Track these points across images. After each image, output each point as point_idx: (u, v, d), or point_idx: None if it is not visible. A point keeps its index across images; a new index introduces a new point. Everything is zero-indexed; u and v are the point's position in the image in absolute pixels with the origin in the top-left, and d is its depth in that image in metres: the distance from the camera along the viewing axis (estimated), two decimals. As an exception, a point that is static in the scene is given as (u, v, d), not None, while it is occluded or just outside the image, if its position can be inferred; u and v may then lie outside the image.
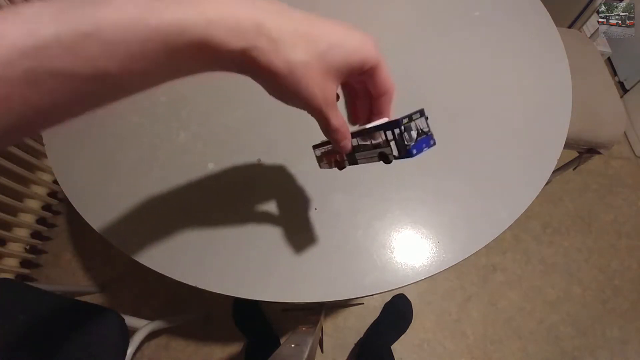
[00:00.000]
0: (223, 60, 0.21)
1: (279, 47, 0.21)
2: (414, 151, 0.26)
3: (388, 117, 0.30)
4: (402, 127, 0.25)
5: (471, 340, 1.08)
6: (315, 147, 0.37)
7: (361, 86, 0.29)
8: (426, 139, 0.27)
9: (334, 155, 0.34)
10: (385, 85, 0.27)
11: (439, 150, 0.50)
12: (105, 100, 0.19)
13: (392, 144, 0.26)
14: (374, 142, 0.28)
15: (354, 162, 0.32)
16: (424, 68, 0.55)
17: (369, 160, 0.30)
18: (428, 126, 0.27)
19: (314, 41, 0.22)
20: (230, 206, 0.45)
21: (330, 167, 0.36)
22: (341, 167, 0.34)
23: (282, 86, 0.23)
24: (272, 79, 0.22)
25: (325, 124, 0.27)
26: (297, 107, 0.25)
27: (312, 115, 0.26)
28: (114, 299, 1.09)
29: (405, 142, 0.26)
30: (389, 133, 0.26)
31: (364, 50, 0.24)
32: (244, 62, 0.21)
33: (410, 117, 0.26)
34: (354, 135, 0.30)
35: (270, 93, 0.24)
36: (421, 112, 0.27)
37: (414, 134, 0.26)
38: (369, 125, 0.28)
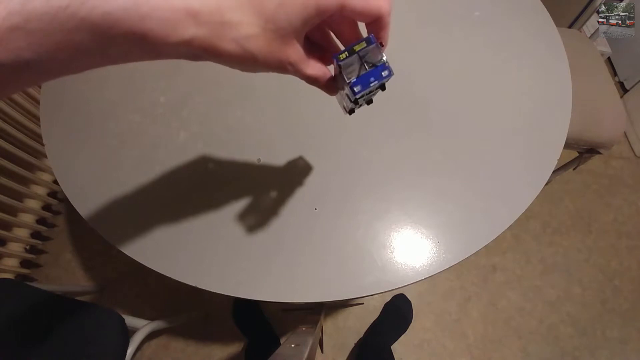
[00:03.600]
0: (166, 53, 0.20)
1: (223, 29, 0.20)
2: (356, 89, 0.24)
3: (385, 43, 0.26)
4: (338, 64, 0.23)
5: (471, 340, 1.08)
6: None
7: (319, 36, 0.28)
8: (375, 71, 0.24)
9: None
10: (371, 10, 0.24)
11: (439, 150, 0.50)
12: (31, 82, 0.20)
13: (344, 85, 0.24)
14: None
15: (353, 106, 0.28)
16: (423, 68, 0.55)
17: (372, 93, 0.27)
18: (382, 55, 0.24)
19: (258, 8, 0.21)
20: (230, 206, 0.45)
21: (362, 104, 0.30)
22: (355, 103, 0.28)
23: (241, 64, 0.22)
24: (228, 61, 0.22)
25: (300, 77, 0.26)
26: (265, 72, 0.25)
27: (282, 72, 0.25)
28: (114, 299, 1.09)
29: (346, 79, 0.24)
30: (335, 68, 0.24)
31: None
32: (191, 51, 0.21)
33: (351, 49, 0.23)
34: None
35: (231, 67, 0.24)
36: (368, 41, 0.23)
37: (355, 67, 0.24)
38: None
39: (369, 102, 0.29)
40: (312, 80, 0.26)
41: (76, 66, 0.20)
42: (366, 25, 0.25)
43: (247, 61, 0.22)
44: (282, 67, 0.24)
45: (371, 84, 0.24)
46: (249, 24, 0.21)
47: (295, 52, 0.24)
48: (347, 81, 0.24)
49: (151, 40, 0.19)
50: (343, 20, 0.26)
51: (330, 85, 0.28)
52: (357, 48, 0.23)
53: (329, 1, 0.22)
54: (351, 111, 0.30)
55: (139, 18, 0.18)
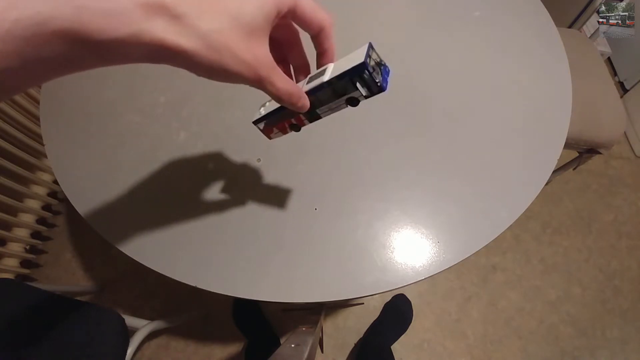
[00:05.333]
0: (115, 52, 0.18)
1: (184, 22, 0.18)
2: (385, 85, 0.26)
3: (332, 52, 0.29)
4: (370, 68, 0.25)
5: (471, 340, 1.08)
6: (257, 121, 0.34)
7: (286, 36, 0.28)
8: (385, 69, 0.27)
9: (288, 120, 0.33)
10: (317, 20, 0.26)
11: (439, 150, 0.50)
12: None
13: (360, 86, 0.26)
14: (339, 91, 0.28)
15: (315, 117, 0.31)
16: (423, 68, 0.55)
17: (335, 110, 0.30)
18: (379, 55, 0.27)
19: (220, 4, 0.20)
20: (230, 206, 0.45)
21: (285, 133, 0.34)
22: (299, 129, 0.33)
23: (204, 65, 0.20)
24: (190, 60, 0.20)
25: (272, 91, 0.24)
26: (234, 82, 0.23)
27: (253, 86, 0.23)
28: (114, 299, 1.09)
29: (376, 81, 0.26)
30: (356, 78, 0.26)
31: None
32: (145, 50, 0.18)
33: (368, 55, 0.25)
34: (310, 92, 0.28)
35: (198, 74, 0.22)
36: (371, 46, 0.26)
37: (376, 68, 0.26)
38: (327, 78, 0.27)
39: (315, 119, 0.32)
40: (283, 93, 0.25)
41: (22, 80, 0.17)
42: (312, 38, 0.27)
43: (213, 60, 0.20)
44: (252, 68, 0.22)
45: (388, 80, 0.27)
46: (212, 20, 0.19)
47: (265, 54, 0.23)
48: (377, 82, 0.26)
49: (91, 37, 0.16)
50: (292, 43, 0.29)
51: (304, 102, 0.27)
52: (370, 52, 0.26)
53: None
54: (299, 129, 0.33)
55: (73, 10, 0.15)
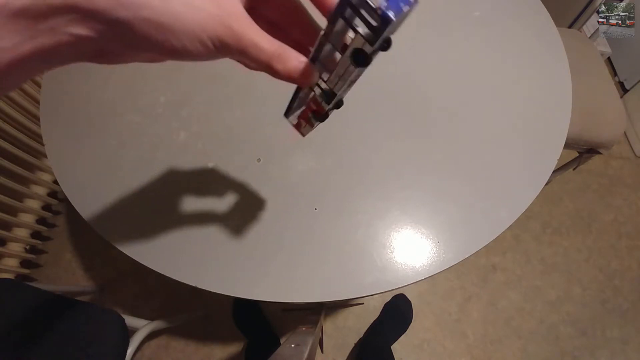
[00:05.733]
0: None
1: None
2: (391, 13, 0.17)
3: None
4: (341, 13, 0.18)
5: (471, 340, 1.08)
6: (287, 113, 0.28)
7: (282, 8, 0.22)
8: None
9: (308, 108, 0.26)
10: None
11: (439, 150, 0.50)
12: None
13: (358, 23, 0.18)
14: (338, 43, 0.20)
15: (331, 96, 0.24)
16: (424, 68, 0.55)
17: (346, 78, 0.22)
18: None
19: None
20: (230, 206, 0.45)
21: (312, 125, 0.28)
22: (323, 116, 0.26)
23: (159, 30, 0.16)
24: (140, 31, 0.16)
25: (254, 55, 0.19)
26: (197, 54, 0.18)
27: (227, 53, 0.18)
28: (114, 299, 1.09)
29: (372, 6, 0.17)
30: (348, 12, 0.18)
31: None
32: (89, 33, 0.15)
33: None
34: (312, 60, 0.21)
35: (139, 51, 0.18)
36: None
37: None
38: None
39: (339, 104, 0.25)
40: (269, 56, 0.19)
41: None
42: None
43: (162, 9, 0.16)
44: (219, 21, 0.17)
45: (403, 8, 0.18)
46: None
47: (234, 2, 0.18)
48: (373, 5, 0.17)
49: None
50: (292, 13, 0.22)
51: (303, 68, 0.20)
52: None
53: None
54: (324, 117, 0.25)
55: None
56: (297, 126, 0.29)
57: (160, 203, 0.45)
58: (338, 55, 0.21)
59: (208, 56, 0.18)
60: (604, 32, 1.00)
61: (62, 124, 0.51)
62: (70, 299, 0.67)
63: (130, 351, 0.66)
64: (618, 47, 1.48)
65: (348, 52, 0.20)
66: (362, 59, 0.19)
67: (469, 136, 0.50)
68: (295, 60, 0.20)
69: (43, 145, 0.50)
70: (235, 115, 0.51)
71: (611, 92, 0.91)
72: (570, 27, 1.24)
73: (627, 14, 0.95)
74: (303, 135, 0.30)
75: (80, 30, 0.15)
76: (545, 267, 1.19)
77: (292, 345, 0.44)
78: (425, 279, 0.41)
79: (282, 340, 1.04)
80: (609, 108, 0.89)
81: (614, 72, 1.55)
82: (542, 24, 0.60)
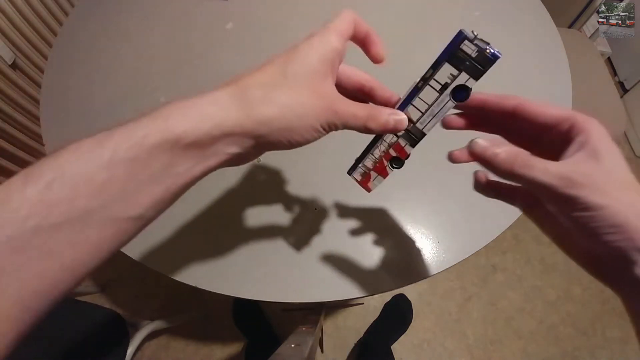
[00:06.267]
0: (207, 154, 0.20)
1: (251, 102, 0.20)
2: (497, 51, 0.22)
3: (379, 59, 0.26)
4: (470, 35, 0.22)
5: (471, 340, 1.08)
6: (352, 170, 0.31)
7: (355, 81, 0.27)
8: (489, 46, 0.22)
9: (386, 155, 0.28)
10: (362, 32, 0.25)
11: (439, 150, 0.50)
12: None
13: (466, 65, 0.22)
14: (438, 86, 0.24)
15: (417, 136, 0.27)
16: (424, 68, 0.55)
17: (439, 115, 0.25)
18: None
19: (273, 73, 0.22)
20: (230, 206, 0.45)
21: (386, 175, 0.30)
22: (402, 162, 0.29)
23: (283, 126, 0.21)
24: (271, 129, 0.21)
25: (354, 122, 0.23)
26: (318, 133, 0.23)
27: (336, 126, 0.23)
28: (114, 299, 1.09)
29: (484, 49, 0.22)
30: (458, 55, 0.22)
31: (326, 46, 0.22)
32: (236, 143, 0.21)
33: (463, 34, 0.22)
34: (402, 106, 0.25)
35: (283, 148, 0.23)
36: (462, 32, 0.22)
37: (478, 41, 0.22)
38: (419, 77, 0.24)
39: (420, 137, 0.27)
40: (364, 118, 0.23)
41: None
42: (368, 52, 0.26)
43: (286, 118, 0.21)
44: (327, 108, 0.22)
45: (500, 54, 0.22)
46: (268, 85, 0.21)
47: (330, 89, 0.23)
48: (485, 48, 0.22)
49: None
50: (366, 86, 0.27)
51: (396, 117, 0.25)
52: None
53: (341, 26, 0.23)
54: (403, 162, 0.29)
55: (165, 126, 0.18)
56: (365, 181, 0.30)
57: (160, 203, 0.45)
58: (432, 96, 0.24)
59: (319, 137, 0.23)
60: (604, 32, 0.99)
61: (62, 124, 0.51)
62: (70, 299, 0.67)
63: (130, 351, 0.66)
64: (618, 47, 1.48)
65: (448, 90, 0.24)
66: (463, 94, 0.24)
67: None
68: (385, 115, 0.24)
69: (43, 145, 0.50)
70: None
71: (611, 92, 0.91)
72: (570, 27, 1.24)
73: (627, 14, 0.95)
74: (370, 189, 0.31)
75: (235, 149, 0.21)
76: (545, 267, 1.19)
77: (292, 345, 0.44)
78: (425, 279, 0.41)
79: (282, 340, 1.04)
80: (609, 108, 0.89)
81: (614, 72, 1.55)
82: (542, 24, 0.60)
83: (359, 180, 0.31)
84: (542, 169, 0.20)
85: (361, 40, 0.25)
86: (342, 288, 0.41)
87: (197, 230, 0.44)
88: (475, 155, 0.24)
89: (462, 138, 0.29)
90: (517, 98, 0.24)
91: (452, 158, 0.29)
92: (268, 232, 0.43)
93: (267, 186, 0.46)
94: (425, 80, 0.24)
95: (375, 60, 0.26)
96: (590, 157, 0.20)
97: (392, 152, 0.28)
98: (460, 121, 0.27)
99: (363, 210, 0.45)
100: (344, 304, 1.10)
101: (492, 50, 0.22)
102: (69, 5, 1.00)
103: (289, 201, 0.45)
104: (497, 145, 0.23)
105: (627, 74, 1.48)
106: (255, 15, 0.61)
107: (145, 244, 0.43)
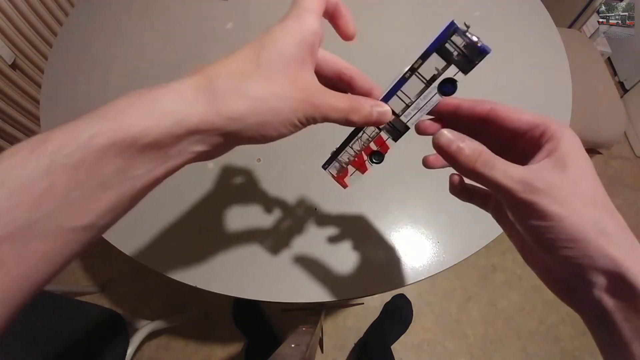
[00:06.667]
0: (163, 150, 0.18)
1: (217, 96, 0.18)
2: (486, 46, 0.21)
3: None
4: (464, 26, 0.21)
5: (471, 340, 1.08)
6: (328, 164, 0.29)
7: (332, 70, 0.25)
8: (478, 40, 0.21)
9: (366, 149, 0.27)
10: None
11: (439, 150, 0.50)
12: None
13: (455, 56, 0.21)
14: (425, 79, 0.23)
15: (400, 130, 0.25)
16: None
17: (424, 109, 0.24)
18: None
19: (243, 61, 0.20)
20: (230, 206, 0.45)
21: (365, 170, 0.28)
22: (382, 157, 0.27)
23: (256, 120, 0.19)
24: (241, 125, 0.19)
25: (335, 115, 0.21)
26: (293, 128, 0.21)
27: (314, 120, 0.21)
28: (114, 299, 1.09)
29: (474, 40, 0.21)
30: (447, 47, 0.21)
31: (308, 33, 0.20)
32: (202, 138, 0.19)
33: (454, 25, 0.21)
34: (387, 97, 0.24)
35: (257, 142, 0.21)
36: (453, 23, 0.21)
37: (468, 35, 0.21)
38: (407, 68, 0.23)
39: (403, 132, 0.25)
40: (346, 110, 0.21)
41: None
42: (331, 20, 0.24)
43: (259, 113, 0.19)
44: (306, 102, 0.20)
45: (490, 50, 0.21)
46: (239, 75, 0.19)
47: (309, 80, 0.21)
48: (475, 40, 0.21)
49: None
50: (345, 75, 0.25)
51: (380, 109, 0.23)
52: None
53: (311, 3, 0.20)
54: (382, 157, 0.27)
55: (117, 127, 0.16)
56: (342, 176, 0.28)
57: (160, 203, 0.45)
58: (419, 88, 0.23)
59: (296, 131, 0.21)
60: (604, 32, 1.00)
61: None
62: (70, 299, 0.67)
63: (130, 351, 0.66)
64: (618, 47, 1.48)
65: (436, 83, 0.23)
66: (450, 88, 0.23)
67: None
68: (368, 107, 0.22)
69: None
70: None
71: (611, 92, 0.91)
72: (570, 27, 1.24)
73: (627, 14, 0.95)
74: (347, 186, 0.29)
75: (201, 147, 0.19)
76: (545, 267, 1.19)
77: (292, 345, 0.44)
78: (425, 279, 0.41)
79: (282, 340, 1.04)
80: (609, 108, 0.89)
81: (614, 72, 1.54)
82: (542, 24, 0.60)
83: (335, 175, 0.29)
84: (502, 170, 0.19)
85: (330, 14, 0.23)
86: (342, 288, 0.41)
87: (197, 231, 0.44)
88: (439, 148, 0.22)
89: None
90: (491, 102, 0.23)
91: (426, 163, 0.27)
92: (268, 232, 0.43)
93: (267, 186, 0.46)
94: (413, 70, 0.23)
95: (345, 35, 0.24)
96: (556, 165, 0.19)
97: (373, 146, 0.26)
98: (435, 127, 0.25)
99: (363, 210, 0.45)
100: (344, 304, 1.10)
101: (482, 44, 0.21)
102: (69, 5, 1.00)
103: (289, 201, 0.45)
104: (462, 140, 0.21)
105: (627, 74, 1.48)
106: (255, 15, 0.61)
107: (146, 244, 0.43)
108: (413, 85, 0.23)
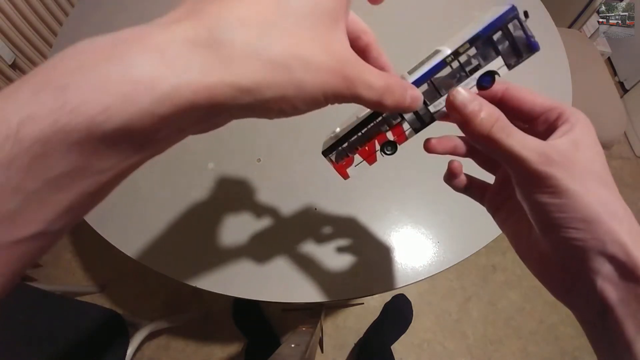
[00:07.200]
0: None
1: (223, 57, 0.13)
2: (537, 42, 0.19)
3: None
4: (524, 15, 0.19)
5: (471, 340, 1.08)
6: (329, 150, 0.24)
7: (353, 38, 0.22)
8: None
9: (379, 135, 0.22)
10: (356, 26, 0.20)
11: (439, 150, 0.50)
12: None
13: (503, 48, 0.19)
14: (469, 66, 0.20)
15: (428, 120, 0.22)
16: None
17: None
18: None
19: (256, 15, 0.14)
20: (230, 206, 0.45)
21: (373, 161, 0.24)
22: (395, 148, 0.23)
23: (273, 90, 0.14)
24: (251, 98, 0.14)
25: (368, 95, 0.16)
26: (317, 105, 0.16)
27: (341, 99, 0.16)
28: (114, 299, 1.09)
29: (529, 35, 0.19)
30: (502, 34, 0.19)
31: None
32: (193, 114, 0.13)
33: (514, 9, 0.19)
34: (419, 82, 0.20)
35: (271, 117, 0.16)
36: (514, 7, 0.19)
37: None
38: (450, 50, 0.19)
39: (425, 124, 0.22)
40: (381, 91, 0.17)
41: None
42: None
43: (280, 85, 0.14)
44: (339, 75, 0.15)
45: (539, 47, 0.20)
46: (255, 25, 0.13)
47: (343, 46, 0.16)
48: (530, 34, 0.19)
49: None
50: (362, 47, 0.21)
51: (413, 93, 0.19)
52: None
53: None
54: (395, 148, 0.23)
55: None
56: (344, 165, 0.24)
57: (160, 203, 0.45)
58: (457, 76, 0.20)
59: (314, 110, 0.16)
60: (604, 32, 1.00)
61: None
62: (70, 299, 0.67)
63: (130, 351, 0.66)
64: (618, 47, 1.48)
65: (478, 74, 0.20)
66: (488, 81, 0.20)
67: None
68: (401, 88, 0.18)
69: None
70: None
71: (611, 92, 0.91)
72: (570, 27, 1.24)
73: (627, 14, 0.95)
74: (348, 176, 0.25)
75: (194, 128, 0.15)
76: (545, 267, 1.19)
77: (292, 345, 0.44)
78: (425, 279, 0.41)
79: (282, 340, 1.03)
80: (609, 108, 0.89)
81: (614, 72, 1.54)
82: (542, 24, 0.60)
83: (336, 163, 0.24)
84: (519, 139, 0.18)
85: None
86: (342, 288, 0.41)
87: (197, 231, 0.44)
88: (454, 109, 0.19)
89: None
90: (506, 83, 0.22)
91: (428, 147, 0.25)
92: (268, 232, 0.43)
93: (267, 186, 0.46)
94: (457, 55, 0.19)
95: None
96: (571, 144, 0.18)
97: (390, 135, 0.22)
98: (445, 143, 0.24)
99: (363, 210, 0.45)
100: (344, 304, 1.10)
101: (535, 40, 0.19)
102: (69, 5, 1.00)
103: (289, 201, 0.45)
104: (479, 102, 0.19)
105: (627, 74, 1.48)
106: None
107: (146, 244, 0.43)
108: (451, 72, 0.20)
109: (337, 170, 0.24)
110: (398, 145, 0.23)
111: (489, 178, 0.27)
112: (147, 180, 0.47)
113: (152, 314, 1.07)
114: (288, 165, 0.47)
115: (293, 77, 0.14)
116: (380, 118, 0.22)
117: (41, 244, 0.13)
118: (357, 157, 0.24)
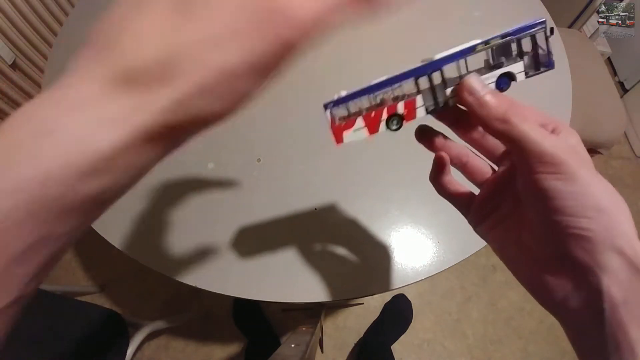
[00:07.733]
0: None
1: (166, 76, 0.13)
2: (554, 61, 0.21)
3: None
4: (550, 32, 0.20)
5: (471, 340, 1.08)
6: (335, 104, 0.21)
7: None
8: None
9: (390, 106, 0.21)
10: None
11: (439, 150, 0.50)
12: None
13: (525, 53, 0.21)
14: (492, 60, 0.21)
15: (442, 103, 0.21)
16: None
17: None
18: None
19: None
20: (230, 206, 0.45)
21: (375, 131, 0.22)
22: (400, 123, 0.22)
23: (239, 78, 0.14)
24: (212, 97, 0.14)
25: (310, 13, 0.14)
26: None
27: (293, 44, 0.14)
28: (114, 299, 1.09)
29: (550, 50, 0.20)
30: (527, 41, 0.20)
31: None
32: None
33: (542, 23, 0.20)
34: (442, 61, 0.21)
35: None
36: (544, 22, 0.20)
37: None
38: (480, 40, 0.20)
39: (438, 107, 0.22)
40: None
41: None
42: None
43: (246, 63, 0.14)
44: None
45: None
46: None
47: None
48: (551, 50, 0.21)
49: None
50: None
51: None
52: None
53: None
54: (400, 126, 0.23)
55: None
56: (342, 128, 0.22)
57: (160, 203, 0.45)
58: (478, 66, 0.21)
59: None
60: (604, 32, 1.00)
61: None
62: (70, 299, 0.67)
63: (130, 351, 0.66)
64: (618, 47, 1.48)
65: (500, 71, 0.21)
66: (506, 83, 0.21)
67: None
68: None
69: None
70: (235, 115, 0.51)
71: (611, 92, 0.91)
72: (570, 27, 1.24)
73: (627, 14, 0.95)
74: (341, 142, 0.22)
75: (163, 152, 0.16)
76: (545, 267, 1.19)
77: (292, 345, 0.44)
78: (425, 279, 0.41)
79: (282, 340, 1.03)
80: (609, 108, 0.89)
81: (614, 72, 1.54)
82: (542, 24, 0.60)
83: (335, 122, 0.22)
84: (533, 126, 0.19)
85: None
86: (342, 288, 0.41)
87: (197, 231, 0.44)
88: (470, 90, 0.19)
89: (462, 140, 0.29)
90: (511, 99, 0.22)
91: (434, 145, 0.26)
92: (268, 232, 0.43)
93: (267, 186, 0.46)
94: (486, 44, 0.20)
95: None
96: (570, 140, 0.19)
97: (400, 107, 0.21)
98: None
99: (363, 210, 0.45)
100: (344, 304, 1.10)
101: (553, 58, 0.21)
102: (69, 5, 1.00)
103: (289, 201, 0.45)
104: (493, 89, 0.20)
105: (627, 74, 1.48)
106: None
107: (146, 244, 0.43)
108: (475, 62, 0.21)
109: (332, 132, 0.22)
110: (403, 123, 0.22)
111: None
112: (147, 181, 0.47)
113: (152, 314, 1.07)
114: (288, 165, 0.47)
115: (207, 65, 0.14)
116: (398, 83, 0.21)
117: (18, 308, 0.13)
118: (360, 122, 0.22)
